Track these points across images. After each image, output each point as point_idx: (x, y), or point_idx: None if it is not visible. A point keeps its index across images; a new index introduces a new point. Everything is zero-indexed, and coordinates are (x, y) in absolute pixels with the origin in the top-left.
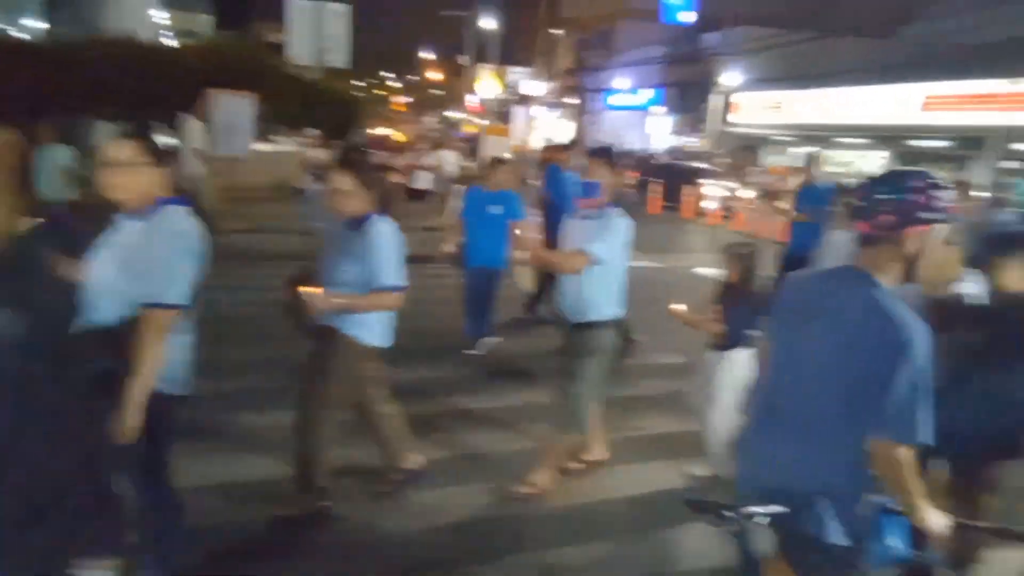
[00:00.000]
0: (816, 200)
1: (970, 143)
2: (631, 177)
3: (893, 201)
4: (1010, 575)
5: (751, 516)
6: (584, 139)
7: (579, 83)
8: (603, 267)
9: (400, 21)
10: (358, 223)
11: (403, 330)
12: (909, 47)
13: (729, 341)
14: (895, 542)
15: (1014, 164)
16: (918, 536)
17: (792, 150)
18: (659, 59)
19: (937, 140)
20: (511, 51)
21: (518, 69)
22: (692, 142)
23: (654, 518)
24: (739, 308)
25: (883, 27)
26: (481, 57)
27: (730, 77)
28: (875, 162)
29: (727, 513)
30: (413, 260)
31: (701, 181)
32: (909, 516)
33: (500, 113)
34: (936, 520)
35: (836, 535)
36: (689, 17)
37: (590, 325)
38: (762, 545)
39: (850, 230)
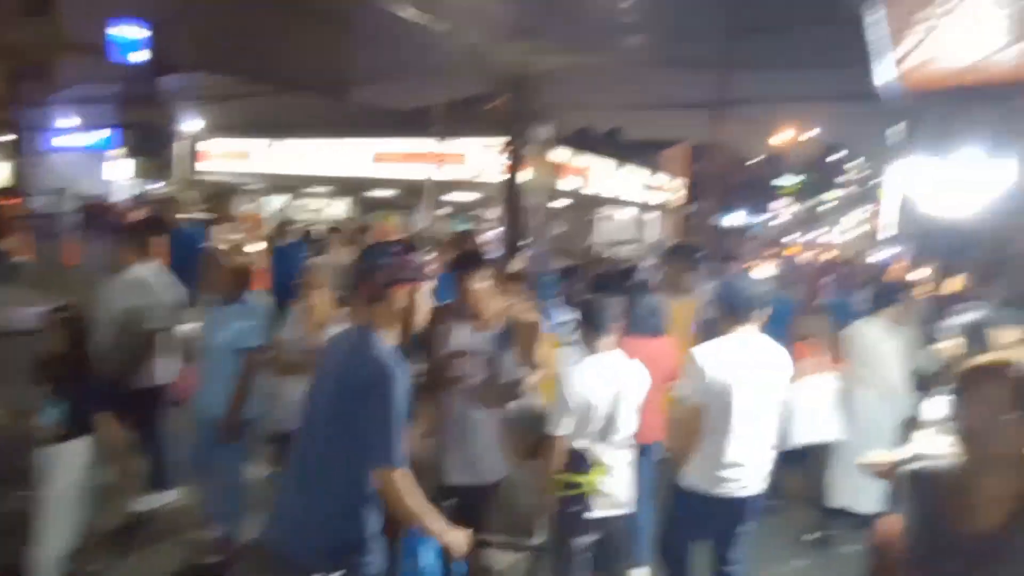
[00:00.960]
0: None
1: (413, 193)
2: None
3: (379, 266)
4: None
5: None
6: (29, 183)
7: (14, 118)
8: None
9: None
10: None
11: None
12: (355, 107)
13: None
14: (427, 560)
15: (447, 210)
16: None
17: (266, 199)
18: (112, 98)
19: (387, 190)
20: None
21: None
22: (158, 188)
23: None
24: (78, 385)
25: (335, 87)
26: None
27: (193, 123)
28: (340, 208)
29: None
30: None
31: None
32: (431, 536)
33: None
34: (452, 537)
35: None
36: (140, 57)
37: None
38: None
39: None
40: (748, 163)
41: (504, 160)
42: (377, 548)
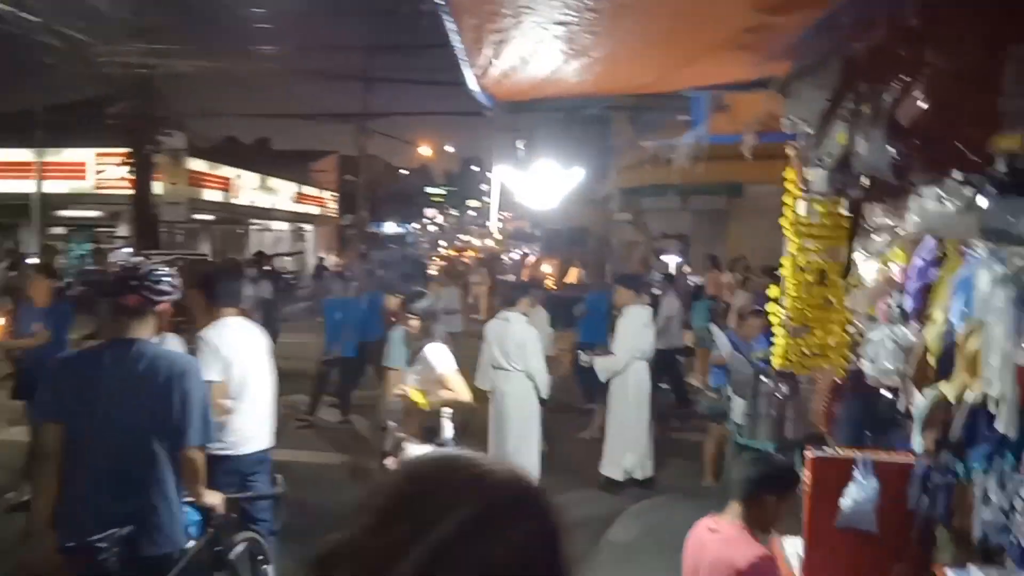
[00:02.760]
0: None
1: (12, 211)
2: None
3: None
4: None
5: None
6: None
7: None
8: None
9: None
10: None
11: None
12: None
13: None
14: (193, 518)
15: (61, 229)
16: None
17: None
18: None
19: None
20: None
21: None
22: None
23: None
24: None
25: None
26: None
27: None
28: None
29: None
30: None
31: None
32: (197, 500)
33: None
34: (211, 497)
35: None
36: None
37: None
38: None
39: None
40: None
41: (128, 172)
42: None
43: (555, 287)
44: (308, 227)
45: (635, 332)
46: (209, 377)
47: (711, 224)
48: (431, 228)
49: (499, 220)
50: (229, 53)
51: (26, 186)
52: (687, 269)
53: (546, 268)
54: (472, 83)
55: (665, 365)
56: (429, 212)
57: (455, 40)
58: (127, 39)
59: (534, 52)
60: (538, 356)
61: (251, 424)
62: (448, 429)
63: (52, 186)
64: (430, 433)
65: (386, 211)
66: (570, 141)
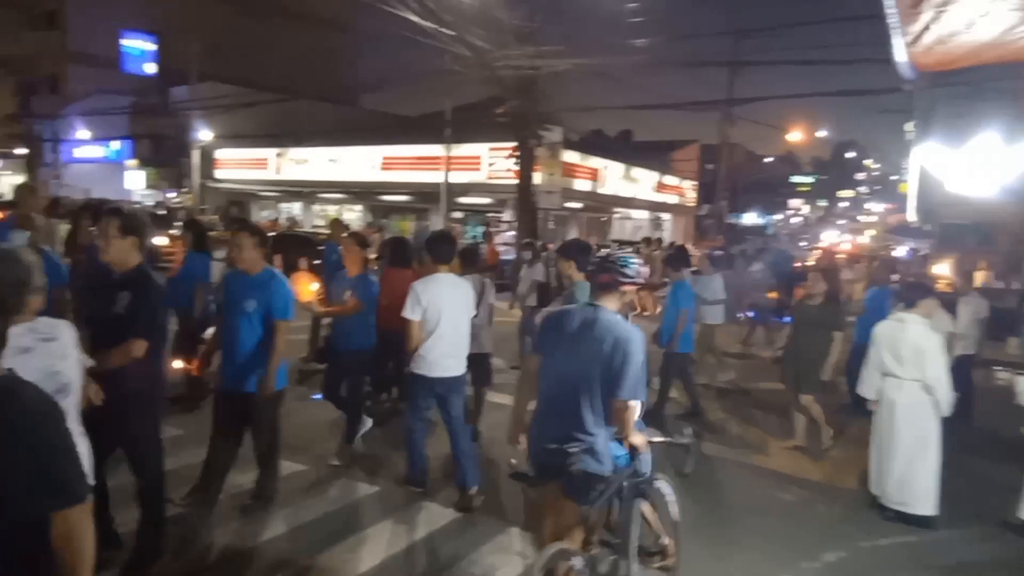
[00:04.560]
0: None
1: (425, 197)
2: None
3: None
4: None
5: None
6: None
7: (28, 131)
8: None
9: None
10: None
11: None
12: (364, 114)
13: None
14: (619, 452)
15: (459, 214)
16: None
17: (284, 205)
18: (123, 109)
19: (398, 195)
20: None
21: None
22: (173, 197)
23: None
24: None
25: (345, 95)
26: None
27: (205, 133)
28: (355, 215)
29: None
30: None
31: None
32: (625, 439)
33: None
34: (639, 439)
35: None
36: (151, 68)
37: None
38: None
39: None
40: (760, 162)
41: (514, 164)
42: None
43: (955, 289)
44: (666, 216)
45: None
46: (410, 316)
47: None
48: (795, 220)
49: (876, 212)
50: (599, 49)
51: (436, 177)
52: None
53: (942, 267)
54: (899, 53)
55: None
56: (793, 203)
57: (890, 6)
58: (516, 43)
59: (986, 12)
60: (939, 365)
61: (442, 354)
62: None
63: (454, 177)
64: None
65: (746, 201)
66: (1002, 116)
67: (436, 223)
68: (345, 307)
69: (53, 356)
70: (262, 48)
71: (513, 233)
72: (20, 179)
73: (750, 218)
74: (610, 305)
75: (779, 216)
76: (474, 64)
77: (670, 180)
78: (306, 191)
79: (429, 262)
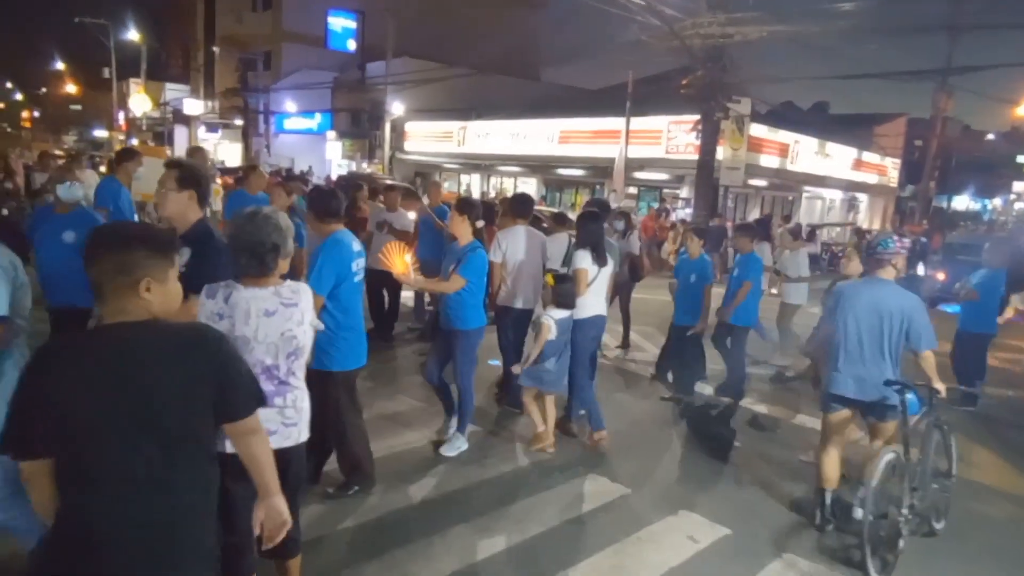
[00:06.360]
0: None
1: (600, 171)
2: None
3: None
4: None
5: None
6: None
7: (244, 104)
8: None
9: (29, 27)
10: None
11: None
12: (545, 88)
13: None
14: (915, 398)
15: (634, 189)
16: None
17: (464, 177)
18: (327, 84)
19: (574, 168)
20: (163, 66)
21: (176, 86)
22: (366, 168)
23: None
24: None
25: (527, 69)
26: (128, 71)
27: (397, 106)
28: (530, 188)
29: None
30: None
31: None
32: (928, 384)
33: (155, 133)
34: (939, 385)
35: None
36: (352, 45)
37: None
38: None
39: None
40: (981, 138)
41: (695, 138)
42: None
43: None
44: (862, 196)
45: None
46: (493, 258)
47: None
48: (1019, 205)
49: None
50: (797, 15)
51: (611, 151)
52: None
53: None
54: None
55: None
56: (1018, 185)
57: None
58: (707, 11)
59: None
60: None
61: (520, 291)
62: None
63: (633, 151)
64: None
65: (958, 182)
66: None
67: (611, 199)
68: (446, 283)
69: (291, 321)
70: (453, 24)
71: (690, 211)
72: (236, 147)
73: (962, 201)
74: (887, 275)
75: (998, 200)
76: (663, 34)
77: (870, 157)
78: (485, 164)
79: (510, 219)
